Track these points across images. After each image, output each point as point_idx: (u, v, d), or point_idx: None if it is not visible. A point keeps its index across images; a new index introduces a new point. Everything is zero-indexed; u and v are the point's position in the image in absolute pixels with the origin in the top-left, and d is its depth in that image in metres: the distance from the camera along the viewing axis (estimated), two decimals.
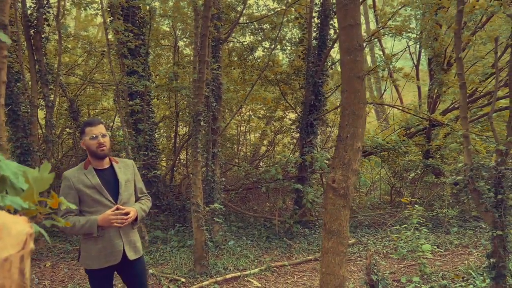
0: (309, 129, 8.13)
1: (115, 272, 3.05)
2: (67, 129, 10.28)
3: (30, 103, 7.27)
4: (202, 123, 5.46)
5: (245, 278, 5.73)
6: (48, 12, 7.37)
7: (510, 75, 4.28)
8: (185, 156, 11.30)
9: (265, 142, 12.86)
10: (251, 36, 9.54)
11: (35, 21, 7.19)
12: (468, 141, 4.29)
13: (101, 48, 9.88)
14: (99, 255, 2.86)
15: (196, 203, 5.60)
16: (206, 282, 5.44)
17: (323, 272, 2.65)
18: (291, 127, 9.63)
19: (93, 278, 2.95)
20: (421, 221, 5.63)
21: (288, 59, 9.69)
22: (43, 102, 7.63)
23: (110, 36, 7.62)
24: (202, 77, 5.37)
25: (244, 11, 7.83)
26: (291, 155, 8.67)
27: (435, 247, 6.72)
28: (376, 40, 9.72)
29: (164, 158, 11.66)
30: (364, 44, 9.02)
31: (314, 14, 8.35)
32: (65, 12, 8.93)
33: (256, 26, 9.43)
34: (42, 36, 7.32)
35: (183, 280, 5.61)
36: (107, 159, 2.99)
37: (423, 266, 5.28)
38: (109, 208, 2.83)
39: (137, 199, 3.13)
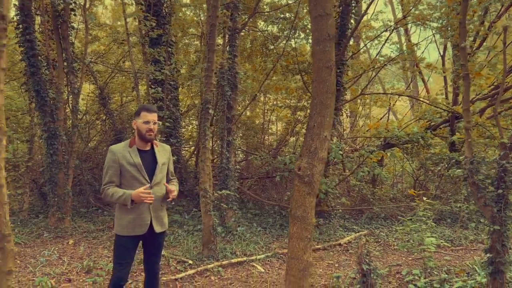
0: None
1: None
2: (96, 115, 10.71)
3: (57, 89, 7.67)
4: (210, 111, 5.60)
5: (250, 263, 5.87)
6: (75, 2, 7.70)
7: None
8: (211, 143, 11.55)
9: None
10: (273, 25, 9.55)
11: (62, 11, 7.55)
12: (469, 133, 4.20)
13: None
14: (129, 224, 3.22)
15: (204, 189, 5.77)
16: (211, 265, 5.62)
17: (288, 257, 2.73)
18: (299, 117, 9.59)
19: (119, 243, 3.29)
20: (429, 215, 5.53)
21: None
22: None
23: (133, 26, 7.90)
24: (211, 66, 5.50)
25: (262, 0, 7.84)
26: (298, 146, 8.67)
27: (448, 242, 6.60)
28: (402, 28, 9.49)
29: (191, 145, 11.95)
30: (389, 33, 8.85)
31: (335, 3, 8.25)
32: (93, 2, 9.27)
33: (280, 15, 9.43)
34: (69, 25, 7.67)
35: (190, 262, 5.82)
36: (150, 142, 3.35)
37: (427, 259, 5.22)
38: (144, 185, 3.18)
39: (168, 181, 3.51)
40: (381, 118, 11.26)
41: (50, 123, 7.57)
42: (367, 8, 7.46)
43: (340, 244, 6.78)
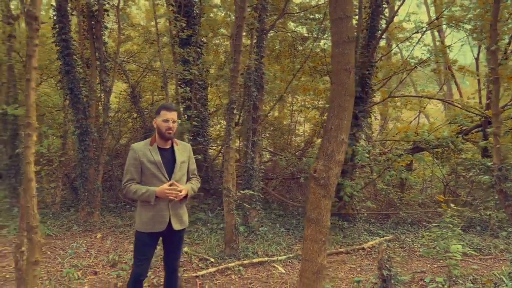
0: (353, 121, 8.00)
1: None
2: (127, 113, 10.98)
3: (90, 87, 7.92)
4: (235, 111, 5.65)
5: (271, 264, 5.89)
6: (109, 3, 7.93)
7: None
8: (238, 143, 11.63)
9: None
10: (302, 26, 9.53)
11: (97, 12, 7.79)
12: (497, 139, 4.07)
13: (163, 37, 10.40)
14: (149, 221, 3.30)
15: (227, 188, 5.83)
16: (232, 264, 5.68)
17: (302, 259, 2.73)
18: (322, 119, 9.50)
19: (139, 240, 3.38)
20: (456, 222, 5.39)
21: None
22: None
23: (165, 26, 8.05)
24: (237, 67, 5.55)
25: (292, 1, 7.83)
26: None
27: (477, 250, 6.40)
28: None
29: (219, 144, 12.07)
30: (421, 34, 8.66)
31: (365, 4, 8.15)
32: (127, 3, 9.51)
33: (309, 15, 9.40)
34: (102, 26, 7.90)
35: (212, 260, 5.89)
36: (170, 141, 3.42)
37: (452, 267, 5.08)
38: (163, 183, 3.26)
39: (188, 179, 3.55)
40: (411, 121, 11.02)
41: (83, 120, 7.83)
42: (397, 10, 7.33)
43: (363, 248, 6.69)
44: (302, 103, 12.18)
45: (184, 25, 8.03)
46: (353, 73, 2.60)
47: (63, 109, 9.35)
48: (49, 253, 6.31)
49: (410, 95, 10.19)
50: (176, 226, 3.38)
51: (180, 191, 3.25)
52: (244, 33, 8.09)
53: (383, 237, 7.18)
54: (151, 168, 3.27)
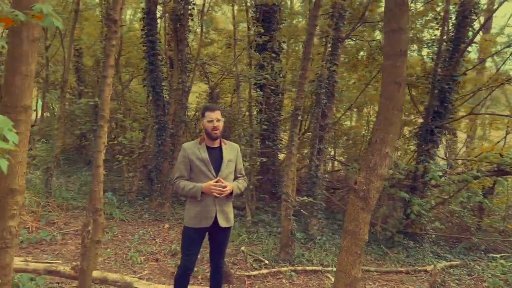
0: (429, 137, 7.63)
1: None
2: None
3: (170, 87, 8.45)
4: (299, 118, 5.69)
5: (325, 273, 5.83)
6: (193, 8, 8.41)
7: None
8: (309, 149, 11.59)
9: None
10: (383, 35, 9.27)
11: (182, 16, 8.30)
12: None
13: (239, 41, 10.76)
14: (196, 216, 3.49)
15: (286, 193, 5.89)
16: (285, 268, 5.72)
17: (337, 269, 2.71)
18: (405, 133, 9.11)
19: (186, 234, 3.58)
20: None
21: (421, 60, 9.16)
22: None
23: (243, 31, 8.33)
24: (304, 74, 5.60)
25: (369, 8, 7.67)
26: (401, 162, 8.25)
27: None
28: None
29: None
30: None
31: (451, 15, 7.74)
32: (213, 7, 9.99)
33: None
34: (186, 29, 8.39)
35: (266, 262, 6.00)
36: (218, 140, 3.61)
37: None
38: (210, 180, 3.44)
39: (236, 178, 3.70)
40: (498, 142, 10.18)
41: (161, 116, 8.37)
42: (485, 22, 6.85)
43: (426, 271, 6.34)
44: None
45: (262, 30, 8.25)
46: (403, 87, 2.54)
47: (146, 105, 10.05)
48: (120, 236, 6.85)
49: (495, 113, 9.43)
50: (222, 223, 3.49)
51: (225, 187, 3.38)
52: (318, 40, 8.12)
53: (450, 261, 6.75)
54: (199, 165, 3.44)
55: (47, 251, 5.78)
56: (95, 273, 4.10)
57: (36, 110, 15.35)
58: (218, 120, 3.45)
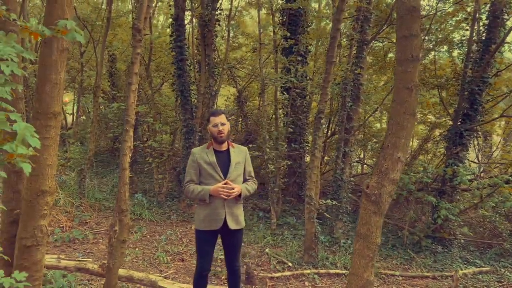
0: (458, 140, 7.47)
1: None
2: (233, 115, 11.66)
3: (198, 91, 8.65)
4: (322, 121, 5.73)
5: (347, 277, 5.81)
6: (220, 13, 8.57)
7: None
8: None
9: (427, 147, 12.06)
10: None
11: (209, 21, 8.48)
12: None
13: (266, 45, 10.85)
14: (205, 219, 3.55)
15: (310, 196, 5.92)
16: (308, 271, 5.76)
17: (350, 272, 2.75)
18: (434, 135, 8.92)
19: (198, 237, 3.66)
20: None
21: (450, 62, 8.99)
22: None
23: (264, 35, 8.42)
24: (328, 77, 5.63)
25: (396, 10, 7.58)
26: (430, 165, 8.11)
27: None
28: None
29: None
30: None
31: (481, 16, 7.56)
32: (240, 12, 10.14)
33: (421, 25, 8.99)
34: (213, 34, 8.57)
35: (289, 264, 6.05)
36: (225, 143, 3.66)
37: None
38: (218, 182, 3.50)
39: (245, 180, 3.74)
40: None
41: (189, 119, 8.57)
42: None
43: (460, 277, 6.22)
44: None
45: (288, 34, 8.32)
46: (415, 92, 2.55)
47: (175, 108, 10.30)
48: (148, 236, 7.08)
49: None
50: (232, 225, 3.54)
51: (233, 189, 3.42)
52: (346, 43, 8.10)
53: (479, 267, 6.58)
54: (207, 168, 3.51)
55: (79, 250, 6.06)
56: (122, 271, 4.28)
57: (73, 114, 15.97)
58: (222, 124, 3.50)
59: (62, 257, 5.05)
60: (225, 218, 3.52)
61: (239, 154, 3.67)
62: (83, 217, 7.47)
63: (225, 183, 3.44)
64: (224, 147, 3.62)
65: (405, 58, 2.56)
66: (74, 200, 7.91)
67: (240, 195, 3.53)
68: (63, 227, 6.82)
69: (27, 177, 2.91)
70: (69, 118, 16.10)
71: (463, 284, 5.49)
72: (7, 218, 3.21)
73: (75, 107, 15.49)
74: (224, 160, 3.58)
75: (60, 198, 7.56)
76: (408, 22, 2.54)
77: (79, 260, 4.55)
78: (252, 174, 3.79)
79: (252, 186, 3.71)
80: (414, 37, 2.54)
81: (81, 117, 15.95)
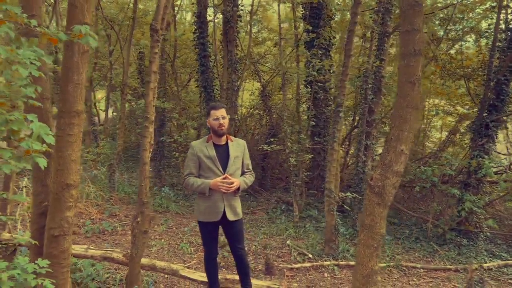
0: (483, 131, 7.33)
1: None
2: (257, 110, 11.78)
3: (220, 86, 8.81)
4: (341, 114, 5.76)
5: None
6: (242, 10, 8.68)
7: None
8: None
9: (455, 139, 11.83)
10: (437, 28, 8.99)
11: (231, 18, 8.61)
12: None
13: (289, 39, 10.89)
14: (205, 211, 3.70)
15: (329, 189, 5.99)
16: (328, 262, 5.84)
17: (356, 262, 2.83)
18: (458, 126, 8.74)
19: (201, 228, 3.85)
20: None
21: (477, 51, 8.79)
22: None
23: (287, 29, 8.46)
24: (346, 71, 5.66)
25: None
26: (455, 158, 7.97)
27: None
28: None
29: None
30: None
31: (509, 3, 7.36)
32: (258, 8, 10.20)
33: (444, 15, 8.83)
34: (235, 30, 8.69)
35: (310, 256, 6.15)
36: (224, 137, 3.76)
37: None
38: (218, 176, 3.61)
39: (243, 173, 3.84)
40: None
41: None
42: None
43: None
44: (435, 107, 11.42)
45: (310, 28, 8.34)
46: (418, 86, 2.60)
47: (199, 104, 10.51)
48: (174, 228, 7.33)
49: None
50: (230, 217, 3.65)
51: (232, 183, 3.52)
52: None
53: (505, 260, 6.48)
54: (207, 162, 3.60)
55: (108, 240, 6.36)
56: (145, 261, 4.49)
57: (106, 110, 16.52)
58: (223, 118, 3.58)
59: (92, 247, 5.34)
60: (224, 210, 3.62)
61: (238, 148, 3.75)
62: (113, 209, 7.80)
63: (224, 178, 3.53)
64: (223, 141, 3.70)
65: (407, 52, 2.61)
66: (105, 193, 8.26)
67: (238, 188, 3.62)
68: (93, 219, 7.16)
69: (53, 172, 3.13)
70: (102, 115, 16.64)
71: (479, 276, 5.42)
72: (36, 210, 3.46)
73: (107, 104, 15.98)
74: (223, 154, 3.67)
75: (91, 192, 7.92)
76: (411, 16, 2.58)
77: (105, 250, 4.81)
78: (250, 167, 3.88)
79: (250, 179, 3.80)
80: (416, 31, 2.58)
81: (113, 114, 16.45)
